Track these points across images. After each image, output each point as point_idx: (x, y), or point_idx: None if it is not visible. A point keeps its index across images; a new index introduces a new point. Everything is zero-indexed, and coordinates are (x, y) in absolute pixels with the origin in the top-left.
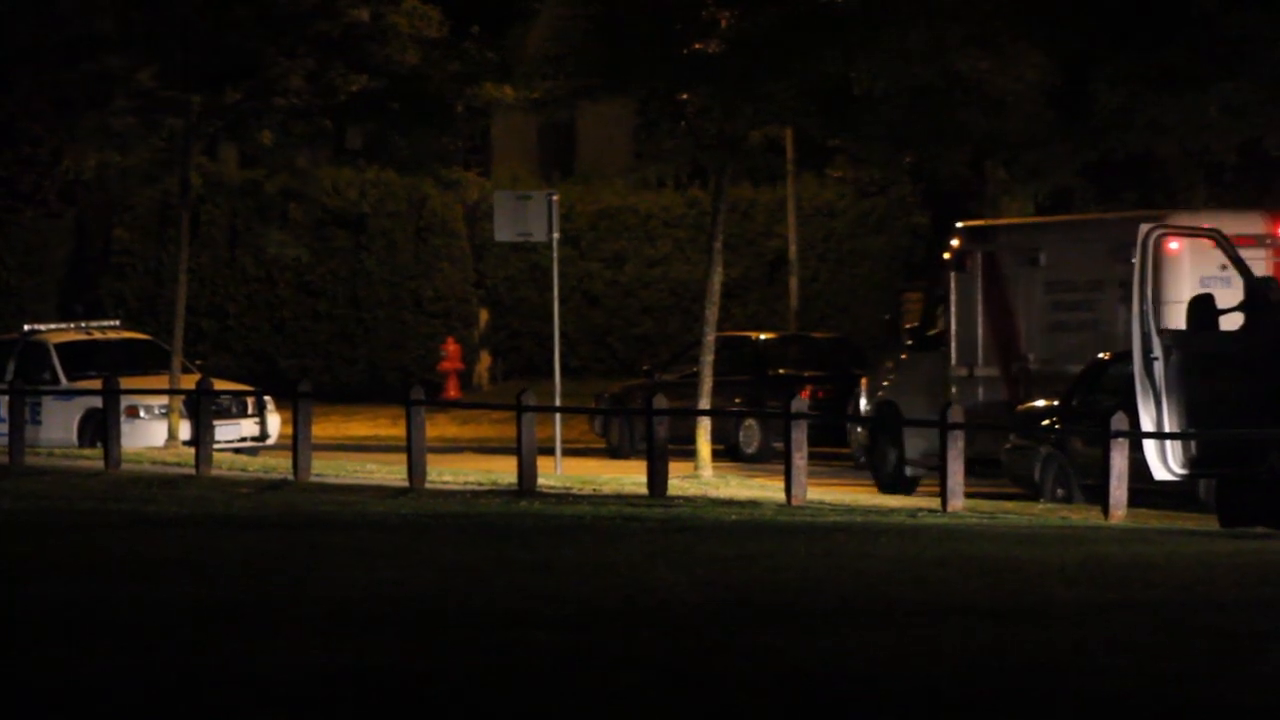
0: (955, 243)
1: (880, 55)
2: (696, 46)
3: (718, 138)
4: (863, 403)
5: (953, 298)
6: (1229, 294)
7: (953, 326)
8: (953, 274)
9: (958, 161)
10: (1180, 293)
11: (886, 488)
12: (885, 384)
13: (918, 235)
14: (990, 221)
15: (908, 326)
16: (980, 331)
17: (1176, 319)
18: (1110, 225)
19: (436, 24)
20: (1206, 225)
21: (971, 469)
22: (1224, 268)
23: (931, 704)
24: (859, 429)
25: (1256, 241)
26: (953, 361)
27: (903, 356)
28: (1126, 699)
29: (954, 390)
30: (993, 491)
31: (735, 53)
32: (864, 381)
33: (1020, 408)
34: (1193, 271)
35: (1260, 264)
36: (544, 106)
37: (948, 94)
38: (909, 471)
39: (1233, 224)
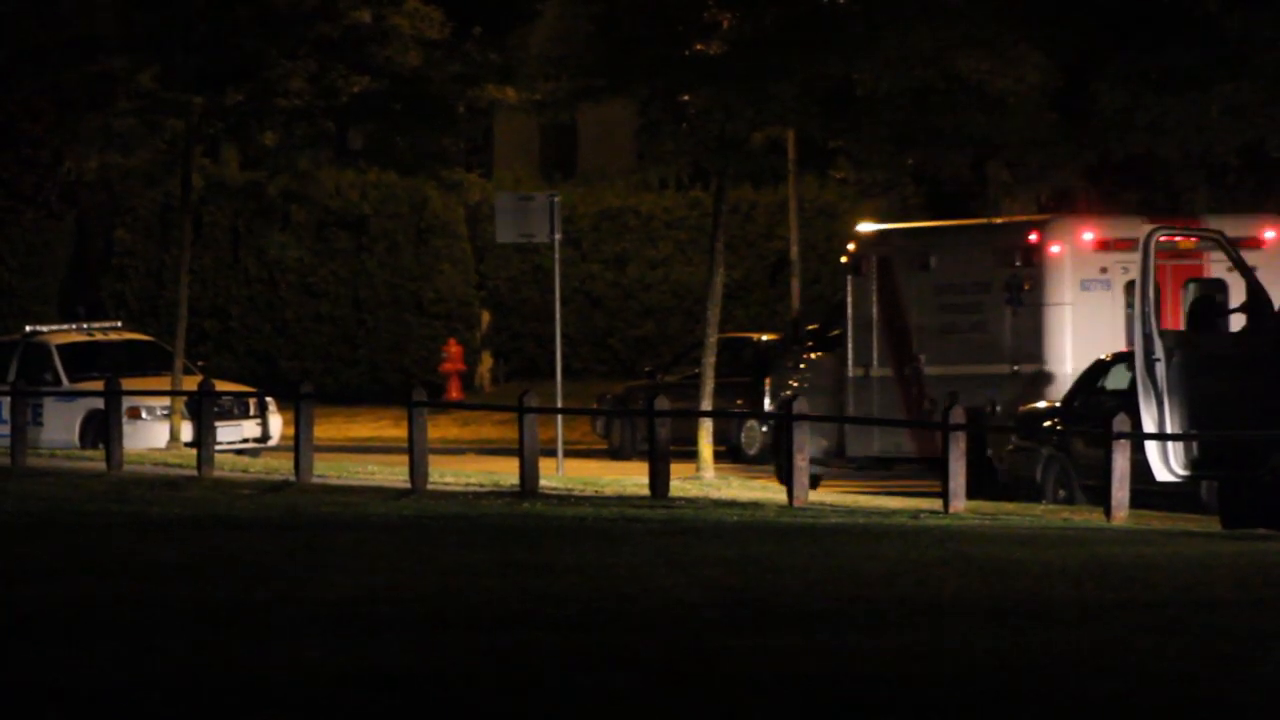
0: (852, 247)
1: (882, 56)
2: (698, 48)
3: (719, 139)
4: (766, 402)
5: (850, 300)
6: (1108, 297)
7: (850, 328)
8: (850, 277)
9: (959, 163)
10: (1061, 295)
11: (784, 480)
12: (788, 384)
13: None
14: (884, 226)
15: (809, 328)
16: (875, 333)
17: (1059, 320)
18: (995, 230)
19: (438, 25)
20: (1210, 227)
21: (876, 466)
22: (1104, 270)
23: (933, 706)
24: (763, 427)
25: (1134, 245)
26: (850, 362)
27: (805, 357)
28: (1128, 699)
29: (851, 391)
30: (882, 490)
31: (737, 54)
32: (768, 381)
33: (1021, 408)
34: (1073, 275)
35: (1138, 267)
36: (546, 108)
37: (949, 95)
38: (811, 469)
39: (1115, 228)
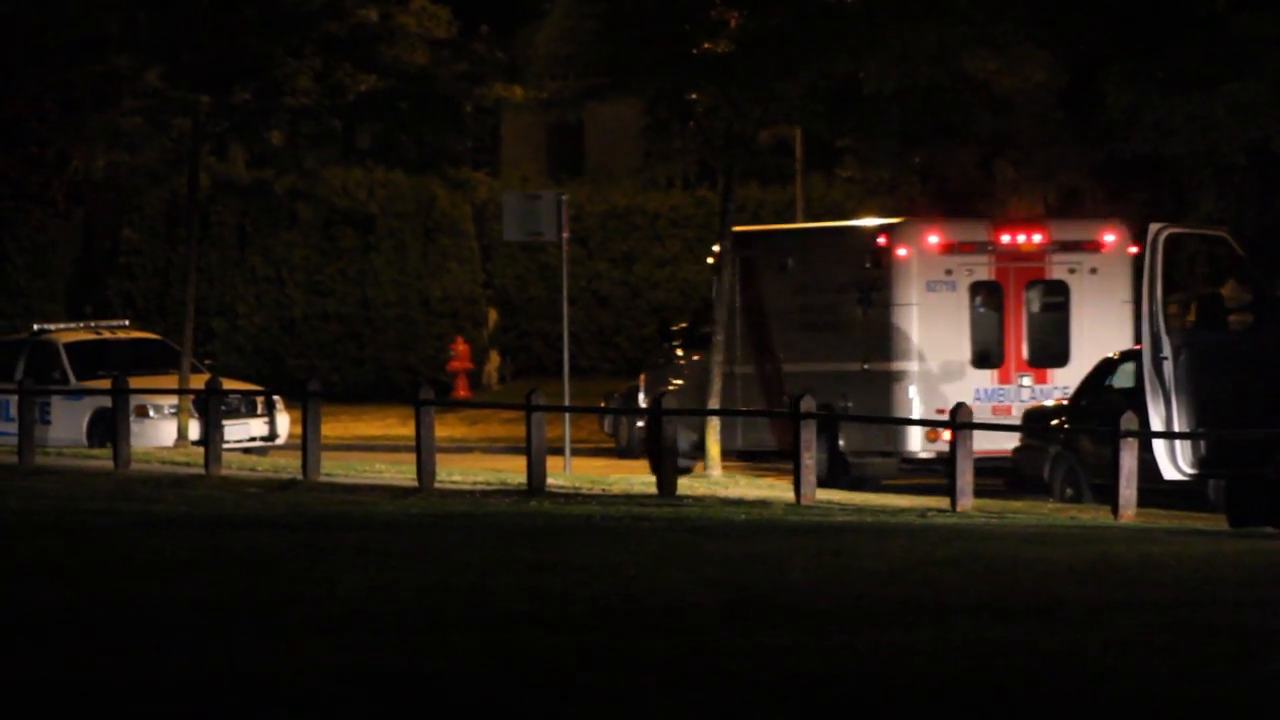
0: (717, 248)
1: (888, 55)
2: (705, 46)
3: (726, 138)
4: (641, 397)
5: (716, 300)
6: (952, 298)
7: (716, 327)
8: (715, 277)
9: (966, 162)
10: (908, 295)
11: (656, 471)
12: (660, 380)
13: None
14: (748, 228)
15: (677, 327)
16: (739, 331)
17: (907, 319)
18: (847, 233)
19: (445, 24)
20: (1215, 228)
21: (746, 459)
22: (949, 272)
23: (940, 703)
24: (638, 422)
25: (978, 248)
26: (715, 360)
27: (677, 354)
28: (1135, 697)
29: (718, 386)
30: (766, 477)
31: (744, 53)
32: (643, 377)
33: (1029, 407)
34: (919, 276)
35: (982, 269)
36: (552, 106)
37: (956, 94)
38: (680, 462)
39: (960, 231)
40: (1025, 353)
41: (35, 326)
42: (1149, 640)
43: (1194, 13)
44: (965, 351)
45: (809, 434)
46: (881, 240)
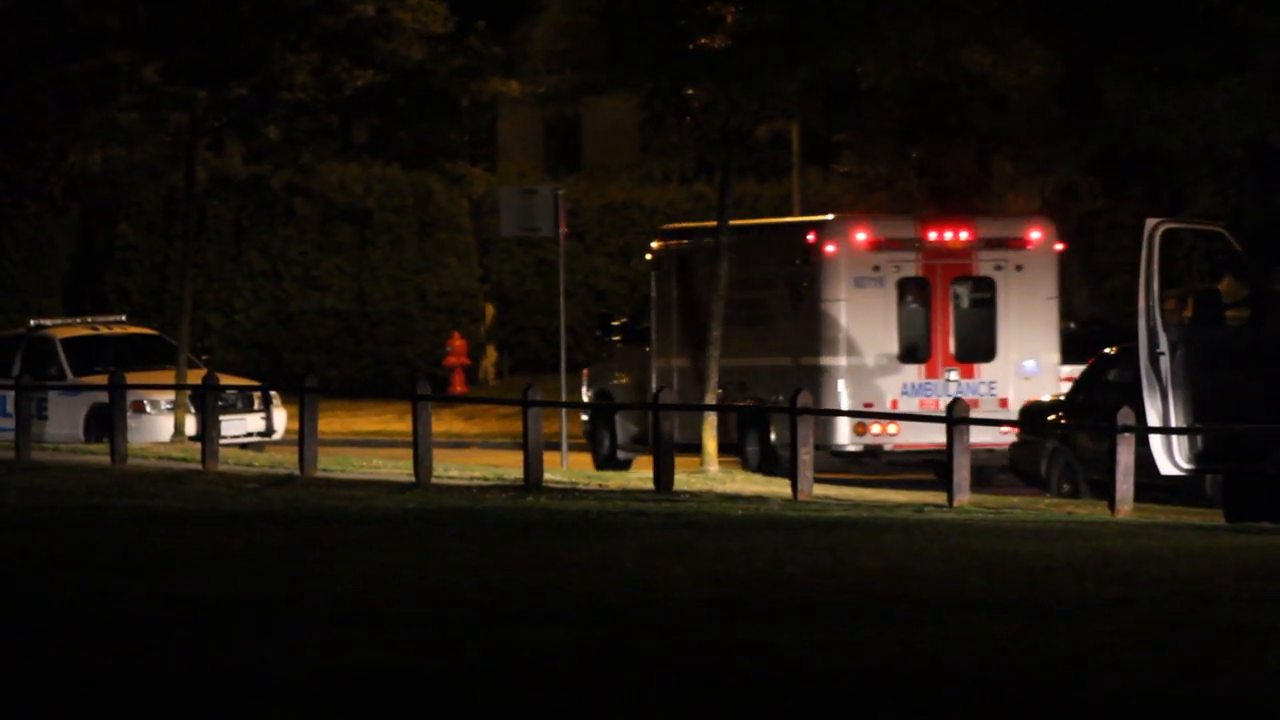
0: (655, 244)
1: (886, 51)
2: (702, 41)
3: (723, 133)
4: (584, 391)
5: (653, 295)
6: (880, 294)
7: (654, 321)
8: (654, 273)
9: (963, 157)
10: (836, 292)
11: (601, 467)
12: (603, 373)
13: None
14: (683, 225)
15: (616, 323)
16: (674, 326)
17: (835, 315)
18: (777, 230)
19: (442, 19)
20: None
21: (683, 451)
22: (876, 269)
23: (936, 699)
24: (583, 415)
25: (905, 245)
26: (654, 354)
27: (617, 348)
28: (1131, 694)
29: (655, 380)
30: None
31: (740, 48)
32: (586, 372)
33: (1026, 402)
34: (847, 272)
35: (910, 265)
36: (549, 101)
37: (953, 89)
38: (620, 455)
39: (888, 228)
40: (952, 347)
41: (32, 322)
42: (1146, 636)
43: (1191, 7)
44: (893, 346)
45: (805, 430)
46: (810, 237)
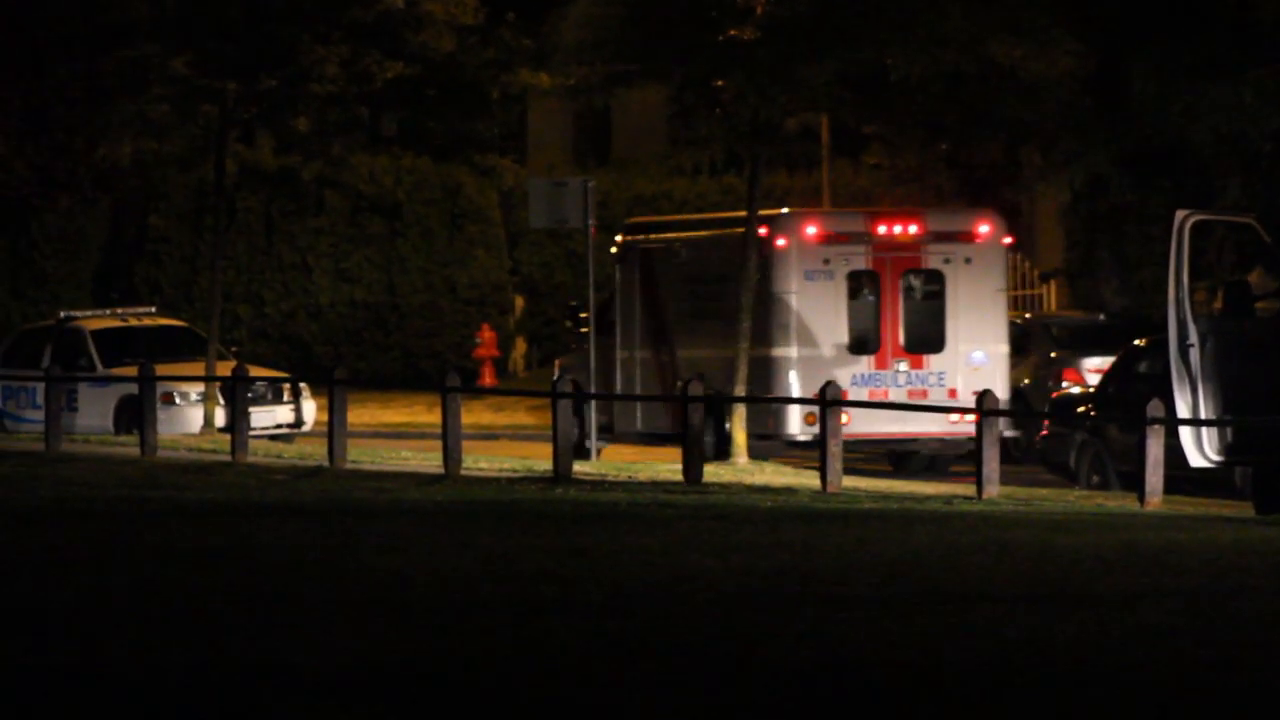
0: (620, 238)
1: (916, 42)
2: (732, 33)
3: (752, 125)
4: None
5: (618, 288)
6: (830, 287)
7: (618, 314)
8: (618, 267)
9: (993, 148)
10: (788, 284)
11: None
12: (574, 364)
13: None
14: (645, 219)
15: (584, 315)
16: (638, 319)
17: (786, 307)
18: (729, 223)
19: (472, 10)
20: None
21: (641, 441)
22: (826, 262)
23: (966, 689)
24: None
25: (855, 239)
26: (618, 345)
27: (587, 339)
28: (1160, 685)
29: (619, 371)
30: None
31: (770, 39)
32: (558, 362)
33: (1055, 394)
34: (798, 265)
35: (860, 259)
36: (579, 93)
37: (983, 81)
38: (588, 444)
39: (837, 222)
40: (902, 339)
41: (62, 314)
42: (1175, 627)
43: None
44: (843, 338)
45: (834, 422)
46: (762, 231)
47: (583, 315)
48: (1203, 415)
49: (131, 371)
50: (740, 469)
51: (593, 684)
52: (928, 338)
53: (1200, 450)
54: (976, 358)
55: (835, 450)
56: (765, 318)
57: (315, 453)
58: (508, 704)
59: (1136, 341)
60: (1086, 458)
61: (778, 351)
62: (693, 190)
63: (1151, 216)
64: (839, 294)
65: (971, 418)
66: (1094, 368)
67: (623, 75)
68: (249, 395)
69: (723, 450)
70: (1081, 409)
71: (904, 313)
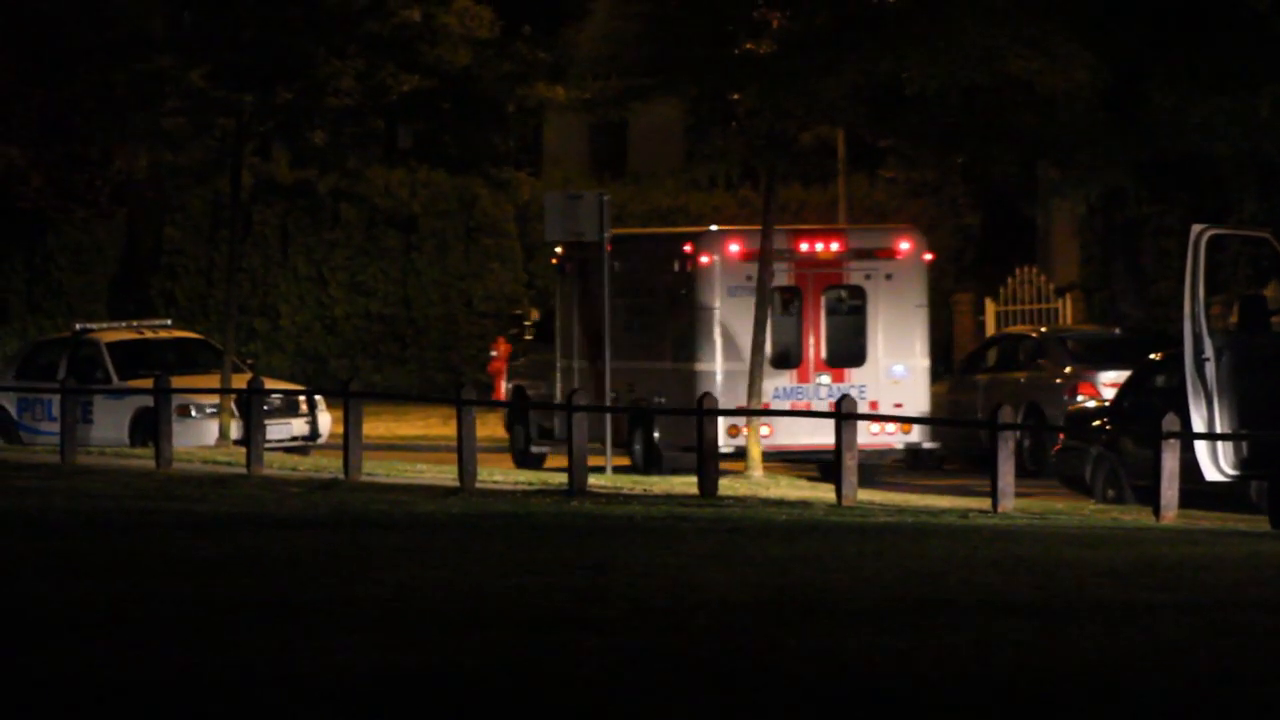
0: (559, 250)
1: (932, 56)
2: (748, 47)
3: (768, 138)
4: (504, 387)
5: (558, 299)
6: (753, 302)
7: (558, 324)
8: (558, 278)
9: (1009, 162)
10: (711, 299)
11: (518, 463)
12: (518, 372)
13: (969, 236)
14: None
15: (527, 323)
16: (575, 328)
17: (710, 322)
18: (659, 240)
19: (488, 24)
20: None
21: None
22: (749, 278)
23: (981, 704)
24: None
25: (777, 255)
26: (558, 354)
27: (530, 348)
28: (1175, 700)
29: (559, 380)
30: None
31: (786, 53)
32: (503, 369)
33: (1071, 408)
34: (721, 281)
35: (782, 275)
36: (595, 107)
37: (999, 94)
38: (533, 449)
39: (759, 240)
40: (824, 353)
41: (78, 326)
42: (1190, 642)
43: (1238, 13)
44: (766, 352)
45: (850, 435)
46: (688, 248)
47: (527, 324)
48: (1218, 429)
49: (147, 384)
50: (755, 482)
51: (606, 696)
52: (849, 352)
53: (1216, 464)
54: (897, 371)
55: (850, 464)
56: (690, 332)
57: (330, 465)
58: (520, 716)
59: (1152, 355)
60: (1102, 472)
61: (701, 365)
62: (708, 203)
63: (1168, 230)
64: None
65: (894, 429)
66: (1110, 382)
67: (639, 89)
68: (264, 408)
69: (651, 460)
70: (1097, 423)
71: (826, 327)
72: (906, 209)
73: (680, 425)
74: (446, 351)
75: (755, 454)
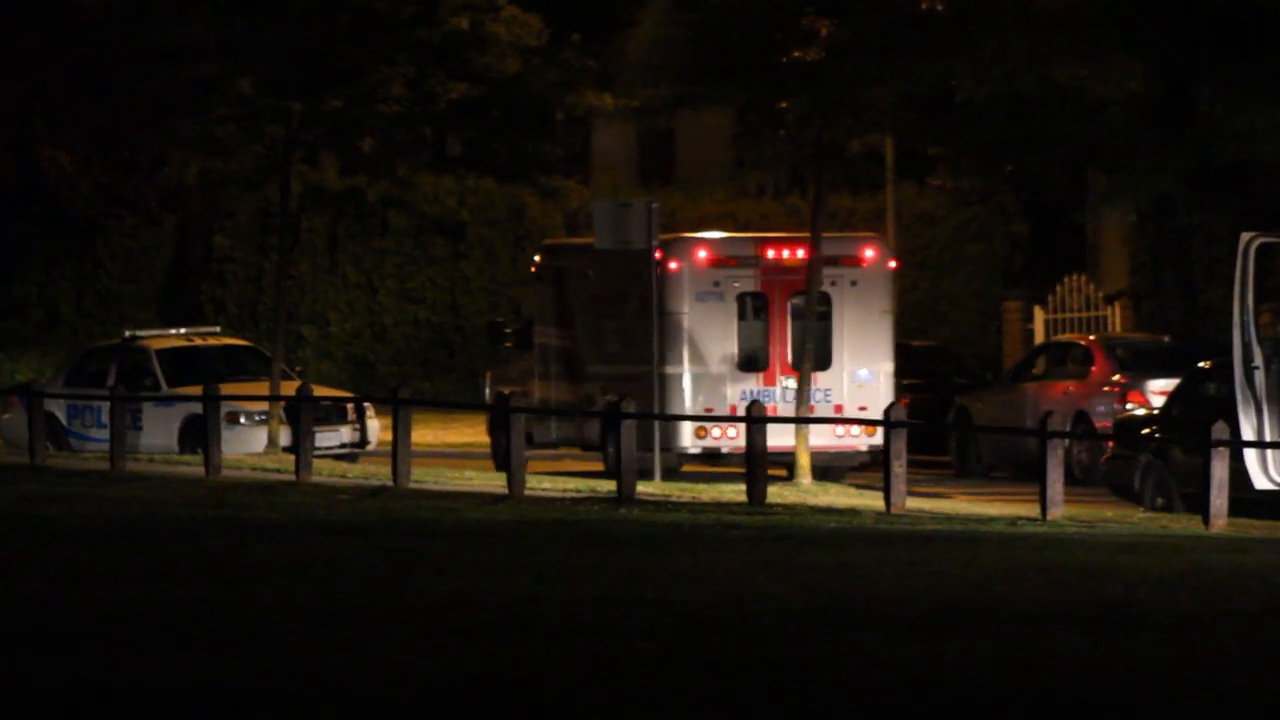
0: (537, 258)
1: (980, 64)
2: (796, 55)
3: (817, 146)
4: (487, 391)
5: (536, 306)
6: (720, 308)
7: (536, 331)
8: (535, 285)
9: (1057, 170)
10: (680, 305)
11: (499, 466)
12: (501, 377)
13: (1017, 244)
14: (561, 241)
15: (508, 330)
16: (553, 336)
17: (679, 327)
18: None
19: (536, 32)
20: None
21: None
22: (717, 284)
23: (1030, 712)
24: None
25: (744, 262)
26: (536, 360)
27: (511, 354)
28: (1225, 709)
29: (537, 384)
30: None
31: (835, 61)
32: (489, 374)
33: (1120, 416)
34: (690, 287)
35: (749, 281)
36: (643, 114)
37: (1047, 103)
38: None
39: (727, 247)
40: (789, 357)
41: (127, 333)
42: (1240, 650)
43: None
44: (732, 356)
45: (899, 444)
46: (657, 255)
47: (507, 331)
48: (1267, 437)
49: (196, 391)
50: (804, 489)
51: (654, 704)
52: (815, 356)
53: (1265, 472)
54: (862, 375)
55: (899, 471)
56: (660, 336)
57: (379, 472)
58: None
59: (1201, 364)
60: (1151, 480)
61: (670, 369)
62: (757, 211)
63: (1217, 238)
64: (729, 315)
65: (859, 432)
66: (1159, 390)
67: (687, 96)
68: (313, 415)
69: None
70: (1146, 431)
71: (791, 333)
72: (955, 217)
73: (645, 428)
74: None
75: (804, 462)
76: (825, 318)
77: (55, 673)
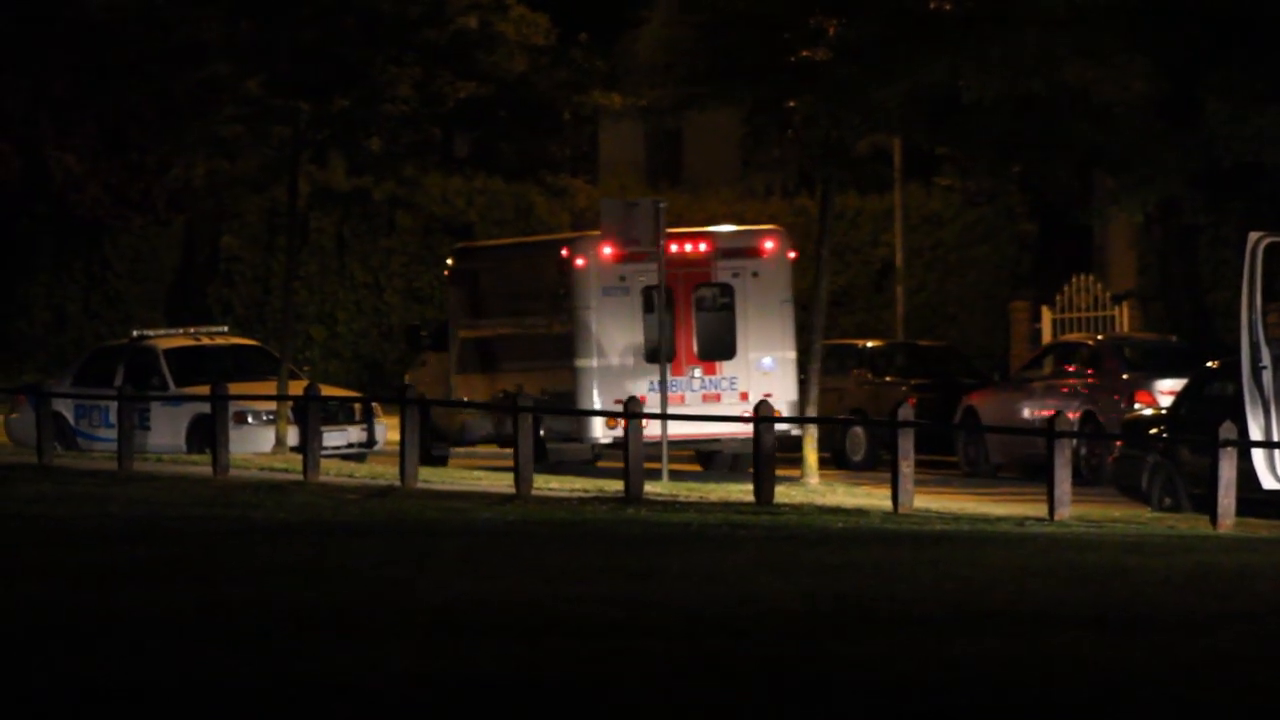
0: (450, 260)
1: (988, 64)
2: (804, 55)
3: (824, 146)
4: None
5: (452, 307)
6: (627, 302)
7: (451, 331)
8: (450, 288)
9: (1064, 171)
10: (587, 300)
11: (422, 462)
12: (419, 379)
13: (1025, 244)
14: (472, 244)
15: (424, 334)
16: (467, 336)
17: (586, 321)
18: (539, 246)
19: (544, 31)
20: None
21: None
22: (622, 279)
23: (1038, 713)
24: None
25: (648, 257)
26: (452, 360)
27: (430, 356)
28: (1232, 710)
29: (454, 383)
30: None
31: (842, 61)
32: (408, 376)
33: (1128, 416)
34: (596, 283)
35: (654, 275)
36: (651, 114)
37: (1055, 103)
38: (434, 451)
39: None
40: (695, 348)
41: (135, 333)
42: (1248, 651)
43: None
44: (640, 348)
45: (906, 443)
46: (564, 252)
47: (423, 334)
48: (1275, 437)
49: (204, 391)
50: (812, 489)
51: (662, 705)
52: (720, 346)
53: (1273, 472)
54: (765, 363)
55: (907, 471)
56: (568, 331)
57: (387, 472)
58: None
59: (1209, 364)
60: (1159, 480)
61: (580, 362)
62: (765, 211)
63: (1224, 239)
64: (635, 308)
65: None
66: (1166, 390)
67: (695, 96)
68: (320, 414)
69: (538, 455)
70: (1154, 431)
71: (696, 324)
72: (962, 217)
73: (559, 420)
74: None
75: (811, 461)
76: (728, 308)
77: (63, 673)
